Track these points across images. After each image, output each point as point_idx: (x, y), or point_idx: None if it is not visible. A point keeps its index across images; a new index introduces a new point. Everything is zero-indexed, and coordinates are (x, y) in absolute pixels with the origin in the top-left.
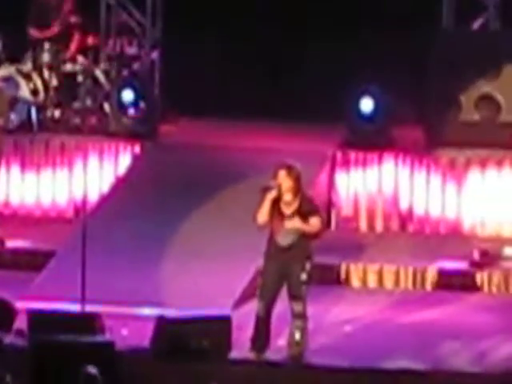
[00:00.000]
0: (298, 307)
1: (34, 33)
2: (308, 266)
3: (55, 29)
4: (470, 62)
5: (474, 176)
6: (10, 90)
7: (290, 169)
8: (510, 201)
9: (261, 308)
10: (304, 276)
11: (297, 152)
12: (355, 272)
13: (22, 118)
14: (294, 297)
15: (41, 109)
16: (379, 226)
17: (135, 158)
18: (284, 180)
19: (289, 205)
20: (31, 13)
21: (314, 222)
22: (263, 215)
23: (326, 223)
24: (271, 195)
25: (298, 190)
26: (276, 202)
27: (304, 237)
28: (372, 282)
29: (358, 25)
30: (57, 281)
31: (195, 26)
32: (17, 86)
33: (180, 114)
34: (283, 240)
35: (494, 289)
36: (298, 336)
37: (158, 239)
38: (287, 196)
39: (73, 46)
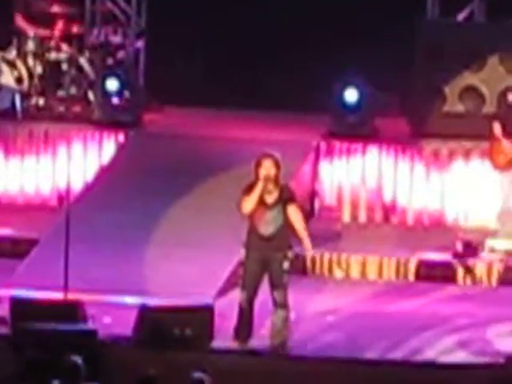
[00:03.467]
0: (279, 296)
1: (20, 22)
2: (290, 254)
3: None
4: (455, 53)
5: (457, 167)
6: None
7: (274, 158)
8: (494, 192)
9: (244, 298)
10: (286, 265)
11: (281, 142)
12: (338, 262)
13: (6, 106)
14: (275, 286)
15: (25, 96)
16: (362, 216)
17: (119, 147)
18: (271, 169)
19: (270, 194)
20: (17, 1)
21: (294, 210)
22: (250, 204)
23: (309, 213)
24: (260, 185)
25: (278, 178)
26: (261, 192)
27: (285, 226)
28: (355, 272)
29: (344, 16)
30: (40, 269)
31: (180, 15)
32: (1, 73)
33: (164, 103)
34: (265, 229)
35: (477, 280)
36: (280, 325)
37: (141, 228)
38: (270, 185)
39: (57, 35)
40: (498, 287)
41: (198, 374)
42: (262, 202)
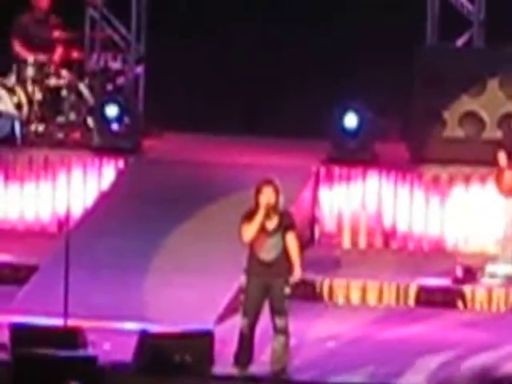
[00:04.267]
0: (280, 322)
1: (18, 49)
2: (291, 280)
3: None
4: (455, 78)
5: (457, 192)
6: None
7: (274, 184)
8: (494, 218)
9: (245, 324)
10: (287, 290)
11: (280, 167)
12: (338, 288)
13: (5, 132)
14: (277, 312)
15: (24, 123)
16: (362, 242)
17: (119, 173)
18: (271, 196)
19: (271, 220)
20: (17, 27)
21: (291, 238)
22: (251, 232)
23: (309, 239)
24: (262, 213)
25: (278, 204)
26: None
27: (286, 251)
28: (355, 298)
29: (344, 42)
30: (39, 295)
31: (180, 41)
32: (0, 99)
33: (163, 130)
34: (267, 255)
35: (477, 306)
36: (280, 352)
37: (140, 254)
38: (270, 212)
39: (56, 60)
40: (499, 313)
41: None
42: (262, 228)
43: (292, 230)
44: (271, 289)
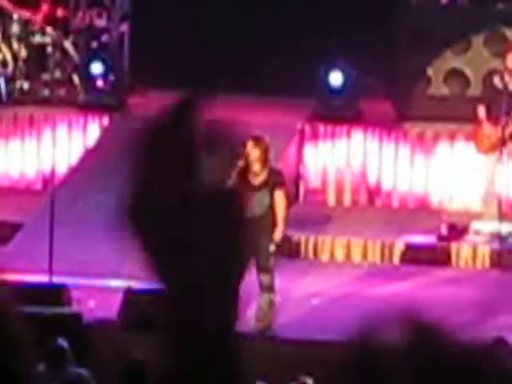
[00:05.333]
0: (266, 279)
1: (3, 3)
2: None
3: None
4: (439, 36)
5: (442, 150)
6: None
7: (256, 139)
8: (479, 175)
9: None
10: (272, 247)
11: (265, 125)
12: (323, 245)
13: None
14: (262, 269)
15: (10, 80)
16: (347, 199)
17: (104, 130)
18: (251, 150)
19: (257, 175)
20: None
21: (279, 196)
22: (231, 183)
23: (294, 196)
24: (238, 165)
25: (266, 160)
26: (244, 174)
27: (272, 208)
28: (340, 255)
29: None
30: (24, 252)
31: None
32: None
33: (148, 86)
34: (250, 211)
35: (462, 263)
36: (265, 309)
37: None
38: (255, 166)
39: (41, 18)
40: (484, 270)
41: None
42: (247, 183)
43: (281, 187)
44: (257, 246)
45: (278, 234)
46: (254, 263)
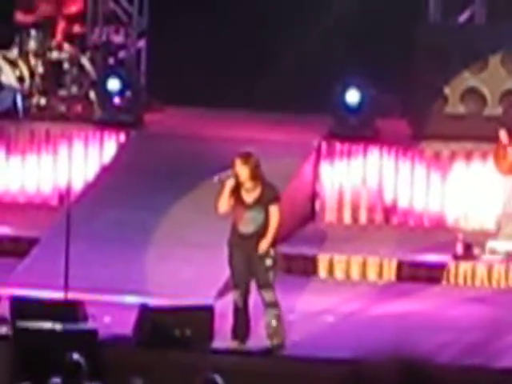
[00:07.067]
0: (268, 295)
1: (20, 17)
2: (272, 252)
3: (41, 12)
4: (456, 55)
5: (458, 169)
6: None
7: (245, 157)
8: (494, 194)
9: (237, 297)
10: (269, 262)
11: (282, 142)
12: (338, 264)
13: (7, 105)
14: (262, 286)
15: (26, 96)
16: (363, 217)
17: (120, 147)
18: (240, 168)
19: (250, 192)
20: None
21: (273, 211)
22: (223, 204)
23: (310, 214)
24: (229, 183)
25: (257, 177)
26: (237, 191)
27: (266, 225)
28: (355, 273)
29: (346, 18)
30: (40, 268)
31: (182, 15)
32: (2, 72)
33: (165, 103)
34: (245, 228)
35: (477, 282)
36: (274, 325)
37: (141, 228)
38: (247, 184)
39: (59, 34)
40: (499, 289)
41: (210, 375)
42: (241, 200)
43: (275, 203)
44: (252, 262)
45: (263, 245)
46: (253, 281)
